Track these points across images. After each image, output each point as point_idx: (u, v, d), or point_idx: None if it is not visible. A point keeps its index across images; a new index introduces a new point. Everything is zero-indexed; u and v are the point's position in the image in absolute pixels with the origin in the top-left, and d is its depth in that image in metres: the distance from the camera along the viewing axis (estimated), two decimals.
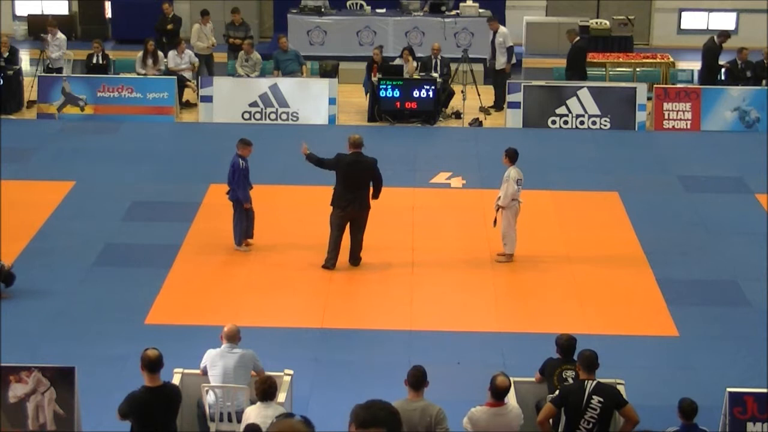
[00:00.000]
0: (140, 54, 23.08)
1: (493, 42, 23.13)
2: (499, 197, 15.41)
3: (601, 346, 12.49)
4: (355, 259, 15.30)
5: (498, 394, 9.87)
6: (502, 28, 23.36)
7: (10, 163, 18.92)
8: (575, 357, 10.57)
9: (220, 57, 24.56)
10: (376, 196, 15.22)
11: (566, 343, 10.83)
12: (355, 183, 15.04)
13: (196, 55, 23.67)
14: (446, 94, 22.67)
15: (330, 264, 15.14)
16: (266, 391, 9.98)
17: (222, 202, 17.58)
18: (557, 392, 10.09)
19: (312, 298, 14.47)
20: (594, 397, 9.86)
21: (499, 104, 23.11)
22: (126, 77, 22.82)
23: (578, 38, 23.42)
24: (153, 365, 9.82)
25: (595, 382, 9.97)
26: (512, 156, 15.52)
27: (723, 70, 23.27)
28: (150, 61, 22.90)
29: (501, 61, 23.07)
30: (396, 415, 4.74)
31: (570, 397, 9.92)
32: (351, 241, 15.23)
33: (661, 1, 28.76)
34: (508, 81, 22.59)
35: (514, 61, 23.49)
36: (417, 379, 9.72)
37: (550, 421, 10.00)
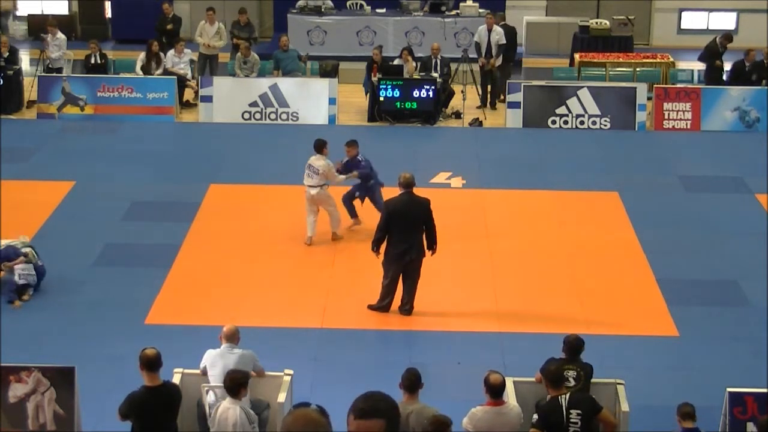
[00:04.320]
0: (142, 54, 23.05)
1: (489, 40, 23.06)
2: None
3: (601, 346, 12.54)
4: (409, 308, 13.98)
5: (495, 392, 9.87)
6: (496, 26, 23.38)
7: (10, 163, 18.91)
8: (542, 371, 10.50)
9: (222, 57, 24.53)
10: (431, 247, 13.91)
11: (574, 342, 10.81)
12: (409, 226, 13.75)
13: (201, 54, 23.65)
14: (446, 94, 22.67)
15: (385, 309, 14.04)
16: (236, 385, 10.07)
17: (222, 202, 17.61)
18: (536, 416, 10.05)
19: (312, 298, 14.47)
20: (572, 411, 9.83)
21: (493, 102, 23.19)
22: (126, 77, 22.82)
23: (502, 23, 23.71)
24: (152, 364, 9.83)
25: (568, 395, 9.93)
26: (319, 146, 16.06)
27: (730, 67, 23.22)
28: (153, 63, 22.88)
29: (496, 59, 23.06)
30: (396, 407, 4.73)
31: (550, 418, 9.88)
32: (403, 288, 13.97)
33: (661, 1, 28.75)
34: (508, 81, 22.61)
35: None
36: (412, 382, 9.72)
37: None
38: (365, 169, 16.32)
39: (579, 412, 9.81)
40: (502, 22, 23.81)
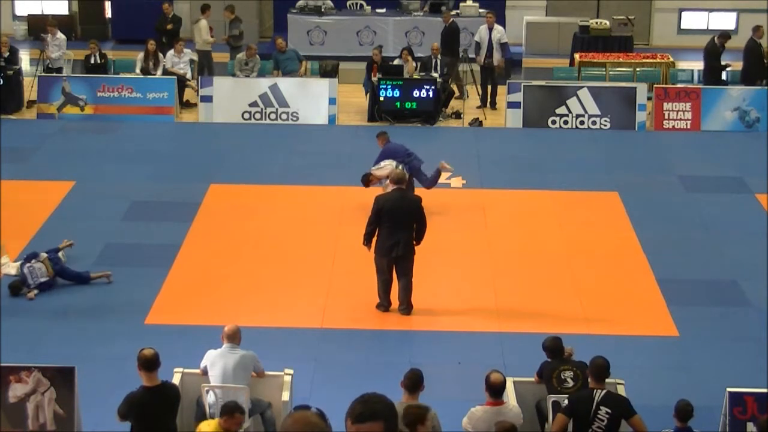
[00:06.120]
0: (141, 54, 23.08)
1: (490, 39, 23.07)
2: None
3: (601, 346, 12.53)
4: (406, 308, 13.98)
5: (495, 391, 9.87)
6: (497, 25, 23.38)
7: (10, 163, 18.91)
8: (588, 364, 10.52)
9: (223, 57, 24.54)
10: (418, 240, 13.93)
11: (552, 344, 10.84)
12: (399, 224, 13.75)
13: (198, 52, 23.65)
14: (446, 94, 22.67)
15: (385, 307, 14.09)
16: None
17: (222, 202, 17.61)
18: (567, 401, 10.04)
19: (312, 298, 14.47)
20: (602, 407, 9.81)
21: (493, 103, 23.19)
22: (126, 77, 22.82)
23: (452, 20, 23.74)
24: (149, 364, 9.83)
25: (604, 392, 9.92)
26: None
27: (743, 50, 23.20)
28: (151, 63, 22.89)
29: (497, 58, 23.06)
30: (393, 408, 4.71)
31: (578, 407, 9.87)
32: (399, 287, 13.97)
33: (661, 1, 28.75)
34: (508, 81, 22.61)
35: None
36: (413, 382, 9.73)
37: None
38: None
39: (609, 411, 9.80)
40: (451, 20, 23.76)
